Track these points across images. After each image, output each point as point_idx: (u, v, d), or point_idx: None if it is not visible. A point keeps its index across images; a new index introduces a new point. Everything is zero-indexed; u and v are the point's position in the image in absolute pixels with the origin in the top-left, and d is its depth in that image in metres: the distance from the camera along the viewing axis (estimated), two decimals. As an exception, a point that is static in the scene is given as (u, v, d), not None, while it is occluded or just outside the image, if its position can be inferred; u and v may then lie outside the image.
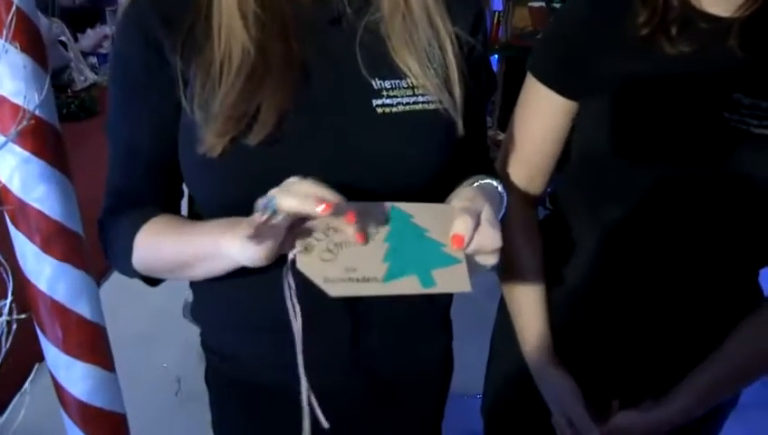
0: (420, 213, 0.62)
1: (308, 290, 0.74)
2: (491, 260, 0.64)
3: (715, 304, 0.92)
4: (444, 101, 0.73)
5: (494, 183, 0.76)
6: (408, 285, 0.58)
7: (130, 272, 0.79)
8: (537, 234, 1.00)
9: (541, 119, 0.92)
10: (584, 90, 0.88)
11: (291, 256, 0.59)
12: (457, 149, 0.77)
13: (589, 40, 0.85)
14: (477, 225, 0.61)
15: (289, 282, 0.61)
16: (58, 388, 1.01)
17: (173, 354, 2.24)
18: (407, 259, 0.59)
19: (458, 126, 0.75)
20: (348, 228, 0.59)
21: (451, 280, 0.59)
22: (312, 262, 0.58)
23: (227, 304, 0.82)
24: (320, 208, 0.56)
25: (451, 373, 0.96)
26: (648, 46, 0.81)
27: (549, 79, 0.90)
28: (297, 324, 0.64)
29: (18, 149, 0.83)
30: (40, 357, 1.00)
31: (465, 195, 0.66)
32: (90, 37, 5.43)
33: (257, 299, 0.76)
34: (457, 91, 0.74)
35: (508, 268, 1.00)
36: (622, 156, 0.86)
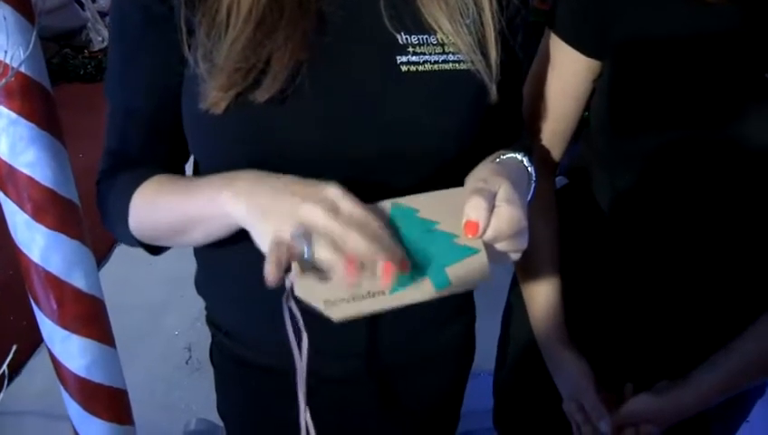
0: (426, 205, 0.54)
1: None
2: (515, 245, 0.55)
3: (740, 283, 0.86)
4: (476, 61, 0.65)
5: (519, 156, 0.68)
6: (419, 292, 0.51)
7: (129, 238, 0.73)
8: (553, 206, 0.93)
9: (561, 79, 0.85)
10: (609, 47, 0.80)
11: (288, 283, 0.51)
12: (490, 117, 0.70)
13: None
14: (493, 207, 0.53)
15: (291, 309, 0.53)
16: (55, 362, 0.97)
17: (184, 322, 2.20)
18: (416, 262, 0.52)
19: (491, 91, 0.67)
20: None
21: (468, 274, 0.52)
22: (310, 285, 0.50)
23: (232, 281, 0.77)
24: (346, 274, 0.49)
25: (473, 354, 0.91)
26: None
27: (570, 35, 0.82)
28: (302, 363, 0.56)
29: (4, 109, 0.78)
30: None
31: (479, 174, 0.57)
32: (107, -4, 5.37)
33: (262, 278, 0.70)
34: (493, 53, 0.65)
35: None
36: (648, 119, 0.79)
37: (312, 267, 0.50)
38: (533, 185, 0.68)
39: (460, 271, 0.52)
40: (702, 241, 0.83)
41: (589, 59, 0.82)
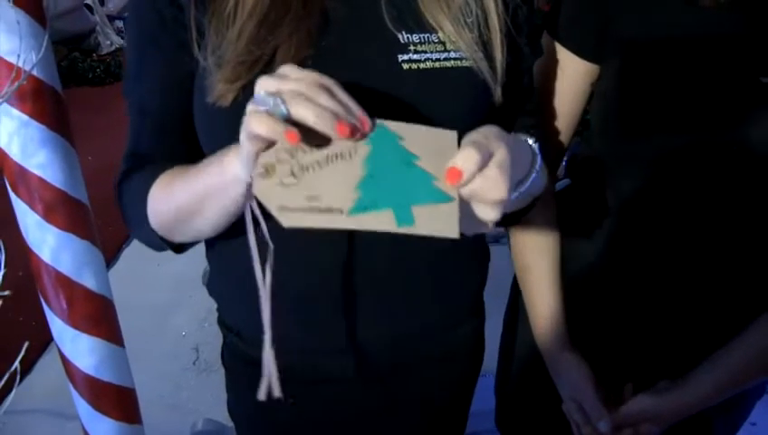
0: (413, 136, 0.51)
1: (336, 271, 0.69)
2: (489, 213, 0.52)
3: (740, 284, 0.85)
4: (477, 60, 0.66)
5: (530, 141, 0.65)
6: (379, 221, 0.48)
7: (150, 236, 0.73)
8: (552, 205, 0.93)
9: (559, 80, 0.86)
10: (607, 51, 0.81)
11: (248, 179, 0.50)
12: (494, 116, 0.70)
13: None
14: (484, 166, 0.50)
15: (252, 209, 0.51)
16: (65, 361, 0.98)
17: (192, 323, 2.22)
18: (384, 190, 0.49)
19: (496, 92, 0.67)
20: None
21: (434, 220, 0.49)
22: (270, 187, 0.48)
23: (244, 282, 0.77)
24: (337, 131, 0.47)
25: (482, 357, 0.91)
26: (678, 0, 0.74)
27: (567, 39, 0.83)
28: (265, 280, 0.55)
29: (16, 111, 0.79)
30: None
31: (483, 131, 0.54)
32: (116, 0, 5.39)
33: (273, 277, 0.71)
34: (498, 55, 0.66)
35: (521, 242, 0.94)
36: (647, 122, 0.80)
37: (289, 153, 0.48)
38: (535, 173, 0.64)
39: (427, 214, 0.49)
40: (702, 242, 0.83)
41: (586, 62, 0.83)
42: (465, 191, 0.51)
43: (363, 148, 0.50)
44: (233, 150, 0.55)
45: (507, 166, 0.51)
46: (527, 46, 0.71)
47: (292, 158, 0.49)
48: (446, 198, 0.49)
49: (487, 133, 0.53)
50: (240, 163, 0.53)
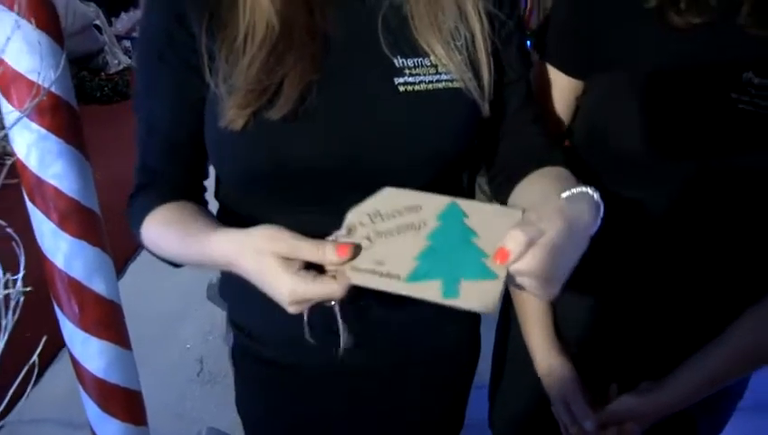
0: (478, 214, 0.55)
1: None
2: (538, 289, 0.56)
3: (723, 292, 0.88)
4: (466, 80, 0.71)
5: (590, 191, 0.66)
6: (428, 291, 0.53)
7: (151, 251, 0.78)
8: None
9: (546, 94, 0.90)
10: (588, 68, 0.85)
11: (332, 237, 0.56)
12: (482, 128, 0.75)
13: (592, 15, 0.82)
14: (531, 246, 0.53)
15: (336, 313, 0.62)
16: (75, 363, 1.02)
17: (197, 335, 2.22)
18: (439, 262, 0.53)
19: (484, 107, 0.71)
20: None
21: (477, 296, 0.52)
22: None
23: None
24: None
25: (477, 354, 0.94)
26: (654, 20, 0.78)
27: (552, 56, 0.88)
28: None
29: (35, 125, 0.84)
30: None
31: (542, 211, 0.57)
32: (124, 21, 5.47)
33: None
34: (486, 74, 0.71)
35: None
36: (624, 137, 0.83)
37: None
38: (600, 221, 0.67)
39: (471, 289, 0.52)
40: (689, 251, 0.86)
41: (573, 79, 0.87)
42: (514, 269, 0.54)
43: (433, 222, 0.55)
44: (234, 252, 0.63)
45: (554, 246, 0.54)
46: (517, 59, 0.75)
47: (372, 223, 0.56)
48: (491, 276, 0.53)
49: (543, 212, 0.56)
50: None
